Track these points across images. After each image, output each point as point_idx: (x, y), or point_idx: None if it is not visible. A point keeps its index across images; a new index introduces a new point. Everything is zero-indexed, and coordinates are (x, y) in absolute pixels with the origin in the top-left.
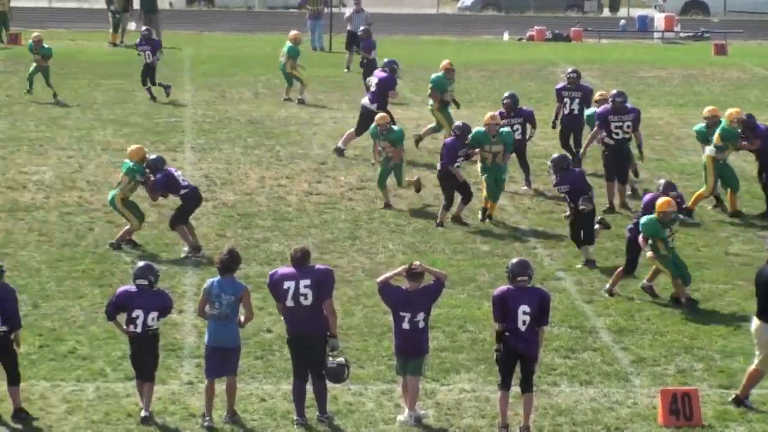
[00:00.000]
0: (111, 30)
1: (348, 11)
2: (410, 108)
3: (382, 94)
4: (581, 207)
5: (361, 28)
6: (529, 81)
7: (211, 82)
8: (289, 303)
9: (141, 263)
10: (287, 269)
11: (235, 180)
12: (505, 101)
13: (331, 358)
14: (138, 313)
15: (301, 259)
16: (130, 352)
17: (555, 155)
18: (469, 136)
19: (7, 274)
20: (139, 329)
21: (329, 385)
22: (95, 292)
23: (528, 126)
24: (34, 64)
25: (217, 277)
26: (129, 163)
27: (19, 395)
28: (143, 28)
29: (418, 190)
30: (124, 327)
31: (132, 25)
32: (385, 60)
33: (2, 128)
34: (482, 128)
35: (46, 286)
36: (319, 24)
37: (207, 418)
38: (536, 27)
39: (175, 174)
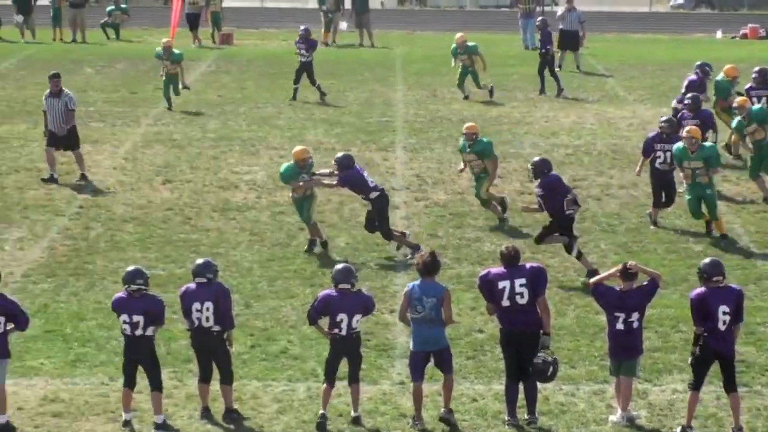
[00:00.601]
0: (323, 29)
1: (560, 10)
2: (623, 107)
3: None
4: (568, 212)
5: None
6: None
7: (423, 82)
8: (505, 303)
9: (340, 266)
10: (499, 269)
11: (447, 179)
12: (686, 102)
13: (538, 356)
14: (342, 316)
15: (513, 258)
16: (330, 356)
17: (536, 158)
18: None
19: (220, 274)
20: (344, 332)
21: (541, 385)
22: (306, 292)
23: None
24: (165, 76)
25: (418, 281)
26: (288, 165)
27: (231, 395)
28: (302, 27)
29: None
30: (326, 330)
31: (343, 25)
32: (697, 63)
33: (214, 128)
34: (681, 143)
35: (258, 285)
36: (531, 23)
37: (417, 422)
38: (750, 25)
39: (364, 175)
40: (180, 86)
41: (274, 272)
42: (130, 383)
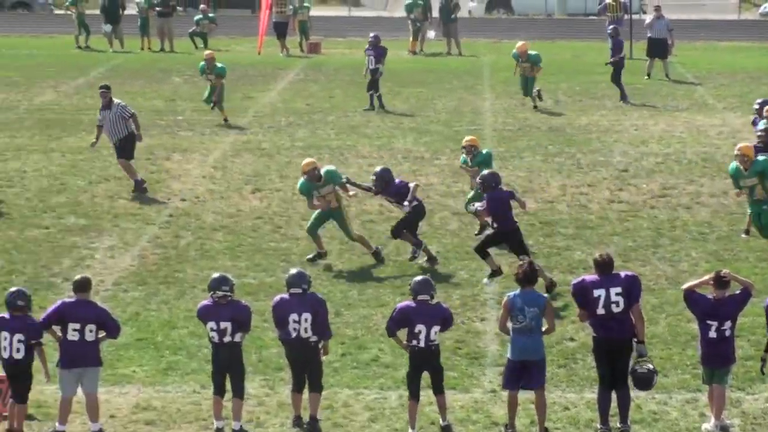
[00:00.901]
0: (410, 38)
1: (648, 18)
2: (713, 115)
3: None
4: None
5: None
6: None
7: (511, 90)
8: (600, 311)
9: (419, 278)
10: (594, 277)
11: (536, 188)
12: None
13: (639, 365)
14: (420, 327)
15: (608, 266)
16: (410, 369)
17: (485, 172)
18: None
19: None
20: (422, 344)
21: (634, 393)
22: (396, 300)
23: None
24: (209, 87)
25: (517, 290)
26: (301, 182)
27: (318, 404)
28: (372, 34)
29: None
30: (404, 342)
31: (431, 34)
32: None
33: (303, 136)
34: (735, 163)
35: (348, 294)
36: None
37: (510, 430)
38: None
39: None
40: (216, 99)
41: (364, 280)
42: (220, 391)
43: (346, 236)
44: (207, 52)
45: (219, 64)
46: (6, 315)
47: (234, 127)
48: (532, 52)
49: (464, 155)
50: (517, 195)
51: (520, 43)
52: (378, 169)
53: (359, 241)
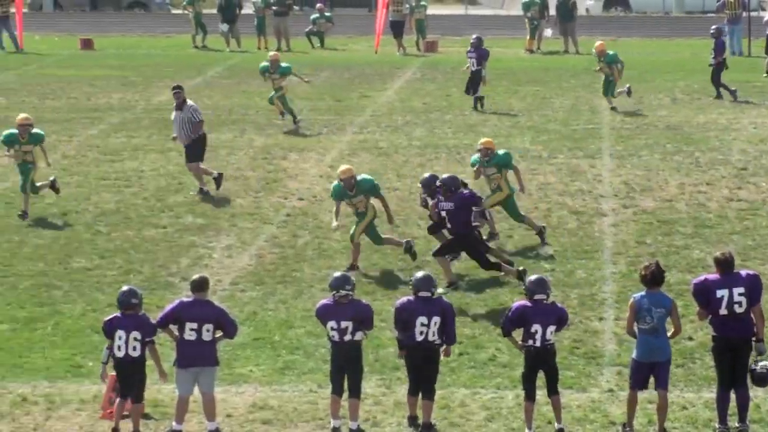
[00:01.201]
0: (528, 36)
1: (767, 15)
2: None
3: None
4: (474, 224)
5: None
6: None
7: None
8: (723, 311)
9: (534, 277)
10: (715, 276)
11: (655, 186)
12: None
13: (757, 363)
14: (536, 327)
15: (730, 265)
16: (526, 370)
17: (444, 176)
18: None
19: None
20: (538, 344)
21: (752, 393)
22: (514, 299)
23: None
24: (274, 90)
25: (643, 291)
26: (336, 185)
27: (431, 411)
28: (473, 36)
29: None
30: (520, 342)
31: (548, 32)
32: None
33: (420, 135)
34: None
35: (466, 293)
36: (738, 28)
37: (628, 430)
38: None
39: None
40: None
41: (481, 280)
42: (338, 390)
43: (371, 239)
44: (272, 53)
45: (283, 64)
46: (118, 314)
47: (351, 126)
48: (609, 51)
49: (477, 156)
50: (482, 201)
51: (597, 43)
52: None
53: (388, 243)
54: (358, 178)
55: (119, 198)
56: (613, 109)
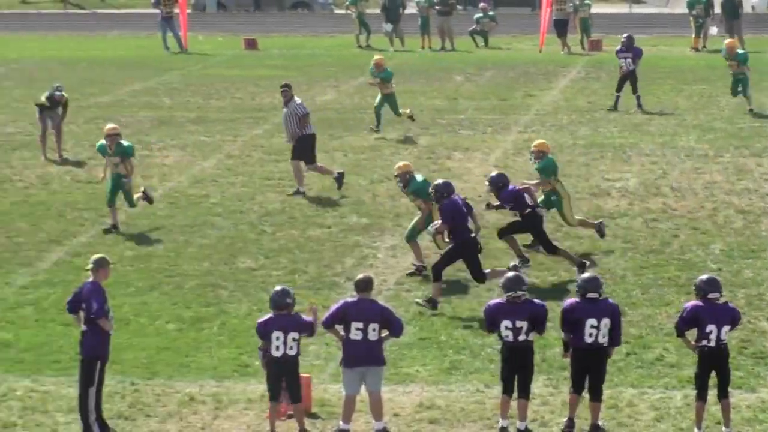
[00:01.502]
0: (693, 35)
1: None
2: None
3: None
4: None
5: None
6: None
7: None
8: None
9: (705, 277)
10: None
11: None
12: None
13: None
14: (711, 327)
15: None
16: (699, 369)
17: (438, 181)
18: None
19: None
20: (712, 344)
21: None
22: (681, 300)
23: None
24: (379, 95)
25: None
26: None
27: (599, 412)
28: (624, 35)
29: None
30: (693, 342)
31: (713, 30)
32: None
33: (584, 134)
34: None
35: (632, 293)
36: None
37: None
38: None
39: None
40: (400, 110)
41: (647, 279)
42: (509, 390)
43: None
44: (377, 56)
45: (388, 69)
46: (272, 315)
47: (515, 125)
48: (740, 50)
49: (532, 156)
50: (473, 211)
51: (727, 40)
52: (493, 173)
53: (412, 247)
54: (418, 178)
55: (284, 198)
56: (751, 110)
